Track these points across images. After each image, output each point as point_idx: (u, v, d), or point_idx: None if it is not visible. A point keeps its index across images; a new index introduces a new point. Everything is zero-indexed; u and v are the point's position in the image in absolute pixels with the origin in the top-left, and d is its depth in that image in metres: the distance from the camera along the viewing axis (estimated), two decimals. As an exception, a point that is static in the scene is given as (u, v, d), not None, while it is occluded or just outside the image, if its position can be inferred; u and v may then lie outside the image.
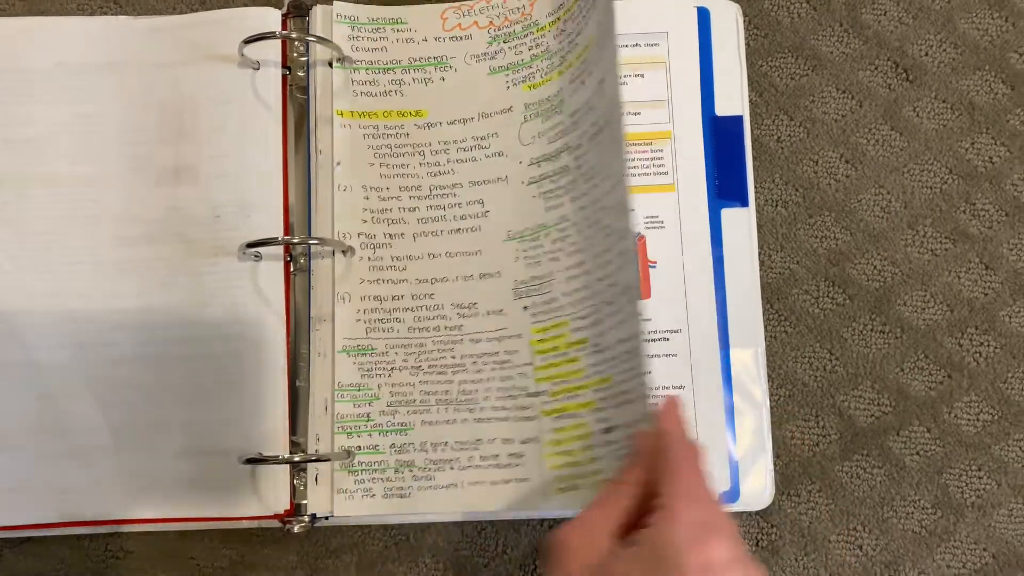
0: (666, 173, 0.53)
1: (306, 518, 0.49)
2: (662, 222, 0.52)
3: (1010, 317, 0.52)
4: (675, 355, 0.51)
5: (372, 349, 0.51)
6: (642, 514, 0.35)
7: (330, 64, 0.52)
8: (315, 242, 0.50)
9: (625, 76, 0.53)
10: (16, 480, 0.49)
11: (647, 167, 0.53)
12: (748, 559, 0.33)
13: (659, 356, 0.51)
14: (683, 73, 0.53)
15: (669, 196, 0.52)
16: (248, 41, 0.50)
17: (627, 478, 0.37)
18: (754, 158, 0.53)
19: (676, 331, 0.51)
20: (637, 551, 0.33)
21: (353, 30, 0.53)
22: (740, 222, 0.52)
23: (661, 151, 0.53)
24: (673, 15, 0.54)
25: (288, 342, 0.50)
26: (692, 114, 0.53)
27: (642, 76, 0.53)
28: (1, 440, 0.49)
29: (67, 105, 0.52)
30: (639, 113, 0.53)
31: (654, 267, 0.52)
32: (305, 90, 0.53)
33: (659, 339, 0.51)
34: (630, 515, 0.36)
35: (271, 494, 0.49)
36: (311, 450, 0.49)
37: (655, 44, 0.54)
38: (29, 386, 0.50)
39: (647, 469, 0.37)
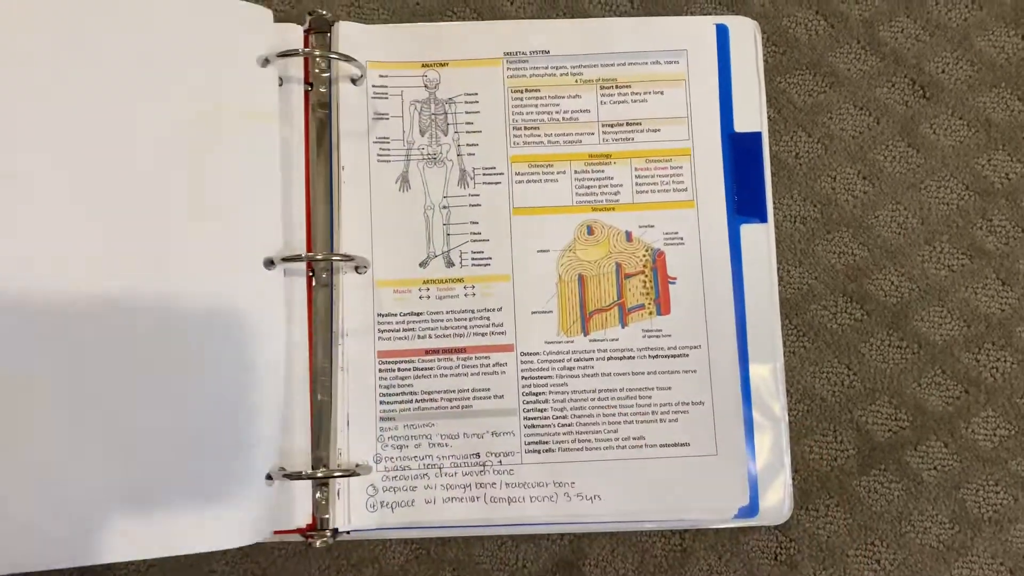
0: (685, 190, 0.53)
1: (328, 533, 0.49)
2: (682, 239, 0.52)
3: (1027, 333, 0.53)
4: (694, 371, 0.51)
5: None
6: None
7: (353, 82, 0.53)
8: (338, 258, 0.50)
9: (645, 93, 0.54)
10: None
11: (666, 184, 0.53)
12: None
13: (678, 372, 0.51)
14: (702, 90, 0.54)
15: (688, 212, 0.53)
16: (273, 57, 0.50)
17: None
18: (772, 174, 0.54)
19: (695, 347, 0.51)
20: None
21: None
22: (759, 238, 0.53)
23: (680, 168, 0.53)
24: (692, 33, 0.54)
25: (311, 357, 0.51)
26: (711, 131, 0.53)
27: (661, 93, 0.54)
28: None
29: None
30: (658, 130, 0.53)
31: (674, 283, 0.52)
32: (327, 105, 0.53)
33: (679, 355, 0.51)
34: None
35: (293, 508, 0.49)
36: (333, 464, 0.50)
37: (674, 62, 0.54)
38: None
39: None
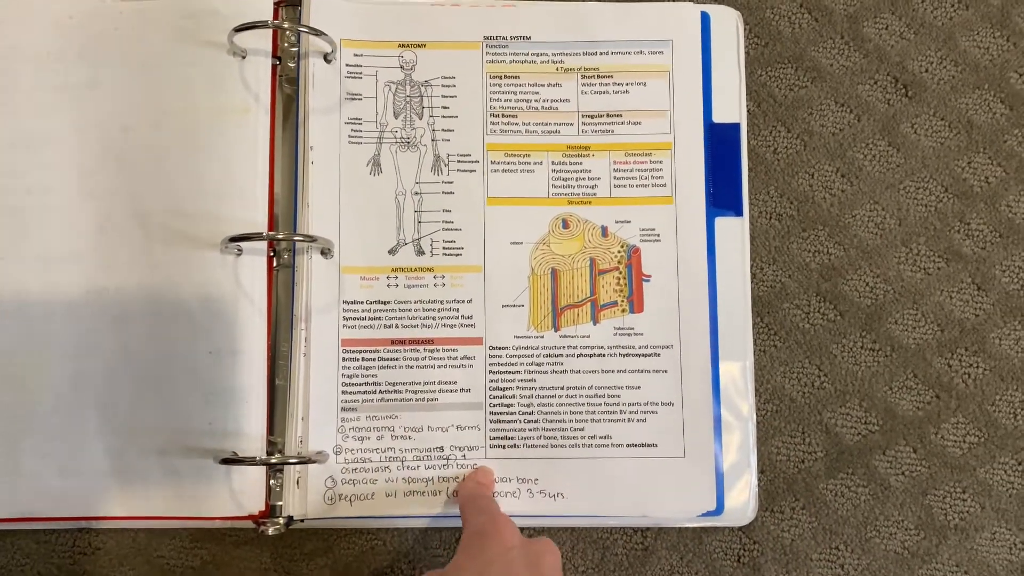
0: (664, 185, 0.52)
1: (281, 520, 0.48)
2: (658, 235, 0.51)
3: (1000, 339, 0.52)
4: (665, 371, 0.50)
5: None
6: None
7: (325, 58, 0.51)
8: (300, 239, 0.49)
9: (627, 84, 0.52)
10: None
11: (645, 178, 0.52)
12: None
13: (649, 372, 0.50)
14: (686, 82, 0.53)
15: (667, 208, 0.51)
16: (239, 29, 0.48)
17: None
18: (749, 169, 0.53)
19: (667, 347, 0.50)
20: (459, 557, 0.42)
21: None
22: (734, 232, 0.51)
23: (660, 162, 0.52)
24: (678, 21, 0.53)
25: (269, 340, 0.49)
26: (693, 124, 0.52)
27: (644, 85, 0.52)
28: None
29: (47, 88, 0.50)
30: (639, 123, 0.52)
31: (648, 281, 0.51)
32: (295, 81, 0.51)
33: (650, 354, 0.50)
34: None
35: (246, 494, 0.48)
36: (289, 451, 0.48)
37: (659, 52, 0.53)
38: (-2, 375, 0.48)
39: None
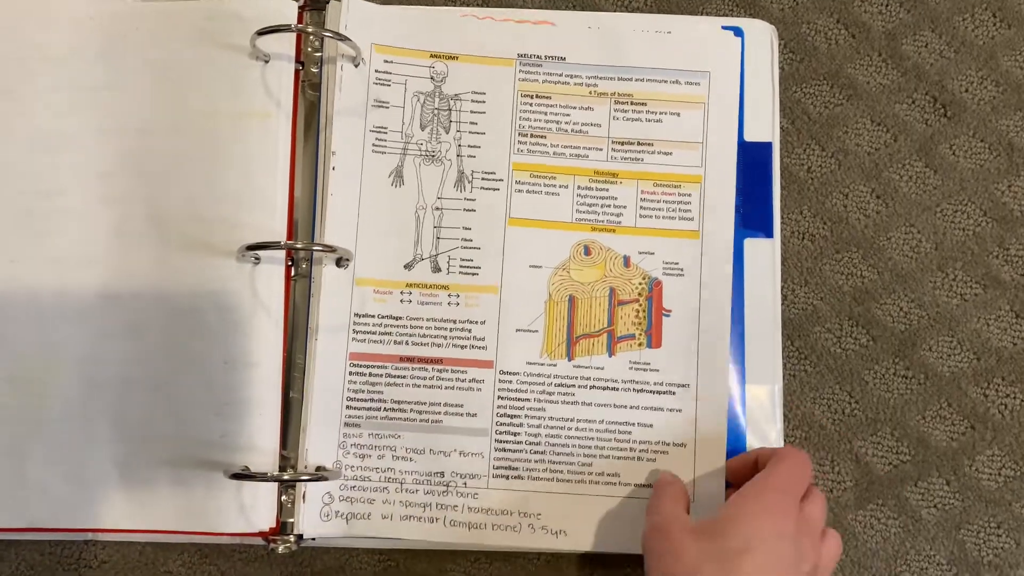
0: (692, 219, 0.50)
1: (291, 538, 0.46)
2: (682, 270, 0.50)
3: (1039, 369, 0.50)
4: (679, 411, 0.49)
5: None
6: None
7: (354, 64, 0.50)
8: (319, 248, 0.47)
9: (660, 113, 0.51)
10: None
11: (672, 211, 0.50)
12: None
13: (663, 410, 0.49)
14: (721, 113, 0.51)
15: (692, 243, 0.50)
16: (261, 33, 0.47)
17: (675, 476, 0.47)
18: (782, 188, 0.51)
19: (684, 386, 0.49)
20: (742, 493, 0.42)
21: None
22: (764, 253, 0.50)
23: (689, 195, 0.50)
24: (717, 52, 0.51)
25: (284, 351, 0.48)
26: (727, 158, 0.51)
27: (678, 115, 0.51)
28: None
29: (65, 89, 0.50)
30: (670, 153, 0.51)
31: (668, 316, 0.49)
32: (317, 87, 0.50)
33: (664, 392, 0.49)
34: (685, 502, 0.46)
35: (256, 510, 0.46)
36: (302, 466, 0.47)
37: (695, 83, 0.51)
38: (3, 376, 0.47)
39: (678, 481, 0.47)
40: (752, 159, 0.51)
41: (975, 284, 0.51)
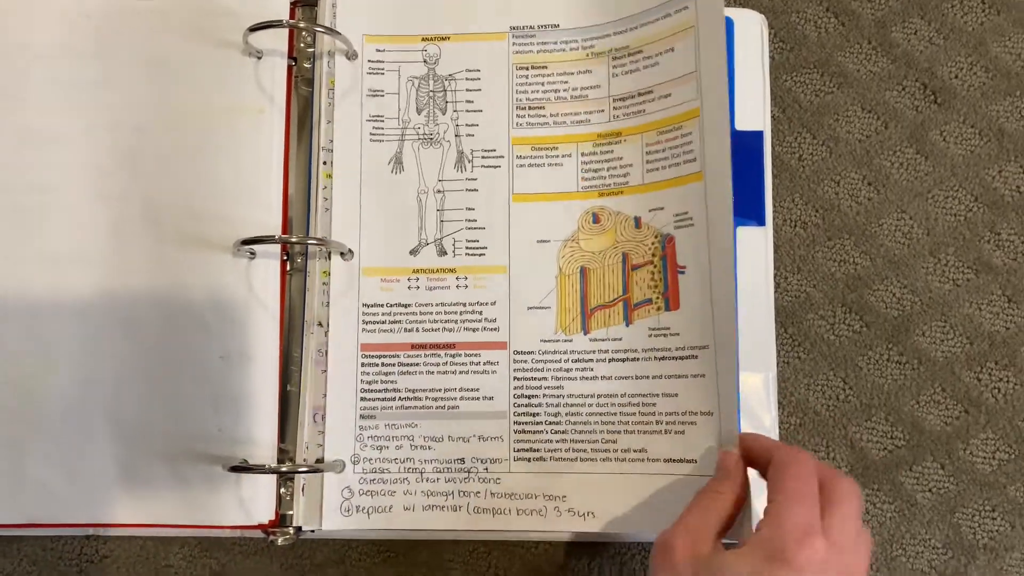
0: (694, 159, 0.47)
1: (291, 530, 0.47)
2: (691, 219, 0.47)
3: (1032, 353, 0.50)
4: (702, 375, 0.45)
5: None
6: (731, 520, 0.41)
7: (347, 57, 0.50)
8: (313, 242, 0.48)
9: (656, 55, 0.49)
10: None
11: (676, 155, 0.48)
12: (845, 548, 0.37)
13: (686, 377, 0.46)
14: (711, 35, 0.47)
15: (697, 187, 0.47)
16: (254, 29, 0.48)
17: (720, 488, 0.41)
18: (773, 176, 0.51)
19: (704, 347, 0.45)
20: (747, 550, 0.37)
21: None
22: (756, 242, 0.50)
23: (690, 134, 0.47)
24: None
25: (281, 345, 0.48)
26: (720, 75, 0.47)
27: (672, 51, 0.49)
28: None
29: (59, 86, 0.50)
30: (669, 95, 0.49)
31: (683, 273, 0.47)
32: (310, 82, 0.50)
33: (687, 356, 0.46)
34: (724, 520, 0.40)
35: (255, 503, 0.47)
36: (300, 459, 0.47)
37: (684, 8, 0.48)
38: (2, 377, 0.47)
39: (737, 482, 0.42)
40: (743, 148, 0.51)
41: (967, 269, 0.51)
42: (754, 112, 0.51)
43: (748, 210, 0.50)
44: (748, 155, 0.51)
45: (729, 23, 0.52)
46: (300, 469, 0.46)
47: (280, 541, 0.46)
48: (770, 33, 0.53)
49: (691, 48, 0.48)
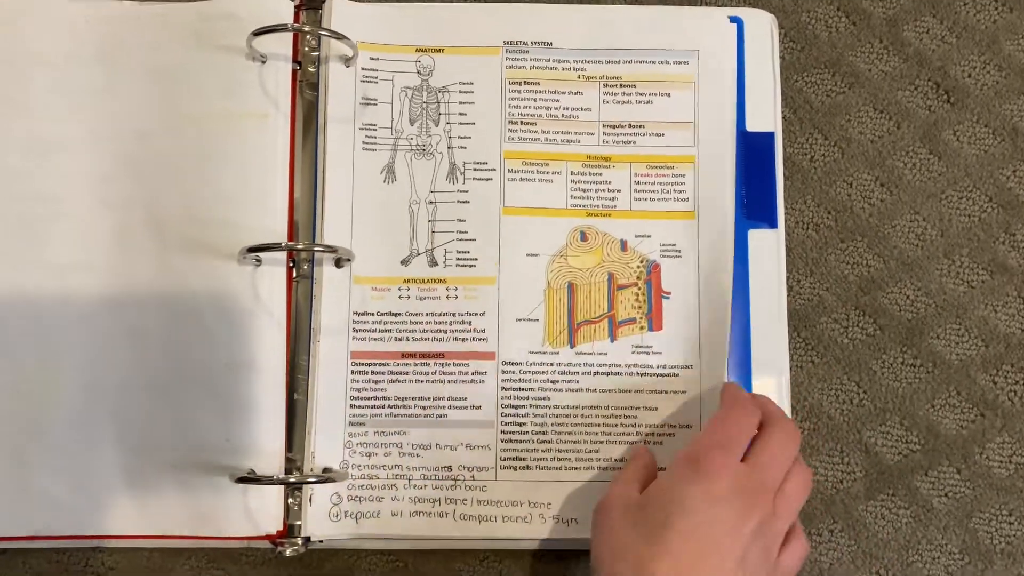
0: (687, 199, 0.50)
1: (299, 541, 0.46)
2: (679, 251, 0.49)
3: (1048, 355, 0.50)
4: (683, 392, 0.48)
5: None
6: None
7: (346, 63, 0.50)
8: (321, 249, 0.47)
9: (650, 94, 0.51)
10: None
11: (667, 192, 0.50)
12: (763, 469, 0.41)
13: (667, 392, 0.48)
14: (712, 92, 0.51)
15: (688, 224, 0.50)
16: (258, 33, 0.47)
17: (633, 463, 0.46)
18: (785, 178, 0.51)
19: (687, 367, 0.49)
20: (667, 471, 0.42)
21: None
22: (768, 244, 0.50)
23: (683, 176, 0.50)
24: (705, 30, 0.51)
25: (288, 353, 0.48)
26: (722, 135, 0.50)
27: (668, 95, 0.51)
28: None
29: (62, 92, 0.49)
30: (662, 134, 0.50)
31: (668, 298, 0.49)
32: (315, 86, 0.50)
33: (668, 374, 0.49)
34: (646, 480, 0.44)
35: (263, 513, 0.46)
36: (307, 468, 0.47)
37: (684, 62, 0.51)
38: (4, 384, 0.47)
39: (646, 454, 0.47)
40: (754, 149, 0.51)
41: (982, 271, 0.51)
42: (765, 113, 0.51)
43: (760, 213, 0.50)
44: (759, 157, 0.50)
45: (739, 23, 0.51)
46: (309, 479, 0.46)
47: (288, 552, 0.46)
48: (780, 33, 0.52)
49: (690, 100, 0.50)
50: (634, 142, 0.50)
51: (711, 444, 0.41)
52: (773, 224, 0.50)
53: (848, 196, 0.51)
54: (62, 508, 0.46)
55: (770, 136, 0.51)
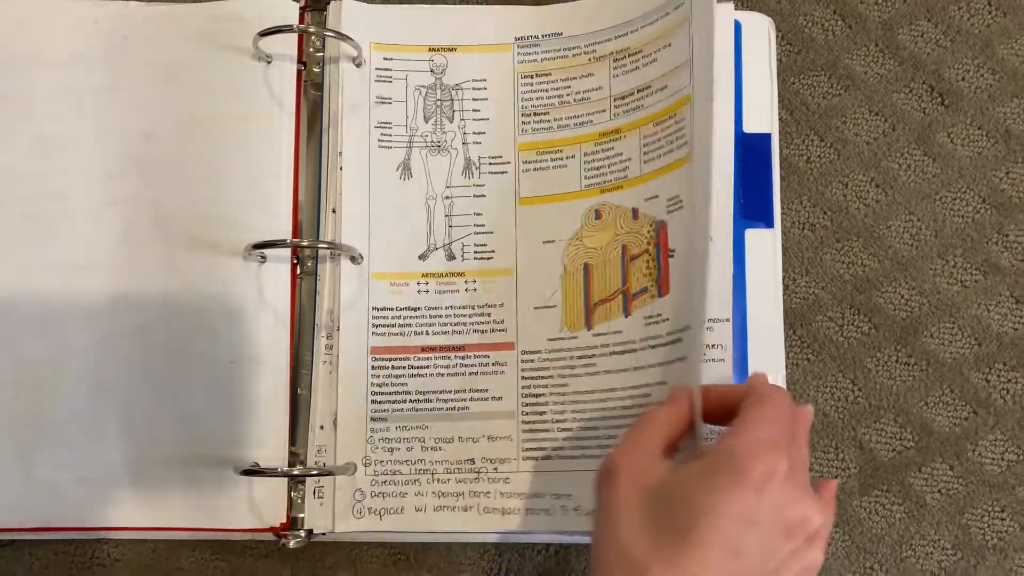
0: (685, 143, 0.47)
1: (302, 533, 0.47)
2: (681, 202, 0.47)
3: (1040, 354, 0.51)
4: (684, 359, 0.44)
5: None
6: (677, 438, 0.39)
7: (355, 63, 0.50)
8: (324, 246, 0.48)
9: (654, 52, 0.49)
10: None
11: (671, 143, 0.48)
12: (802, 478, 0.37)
13: (671, 363, 0.45)
14: (703, 21, 0.47)
15: (687, 168, 0.46)
16: (264, 34, 0.48)
17: (661, 407, 0.39)
18: (782, 179, 0.52)
19: (687, 328, 0.44)
20: (702, 464, 0.35)
21: None
22: (764, 244, 0.50)
23: (682, 121, 0.47)
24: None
25: (291, 348, 0.48)
26: (709, 69, 0.46)
27: (669, 45, 0.49)
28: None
29: (69, 92, 0.50)
30: (665, 87, 0.49)
31: (672, 256, 0.47)
32: (320, 87, 0.51)
33: (674, 341, 0.45)
34: (668, 436, 0.38)
35: (267, 506, 0.47)
36: (310, 462, 0.47)
37: (680, 4, 0.48)
38: (11, 380, 0.48)
39: (682, 403, 0.39)
40: (752, 150, 0.51)
41: (975, 271, 0.51)
42: (762, 115, 0.51)
43: (756, 212, 0.51)
44: (756, 157, 0.51)
45: (737, 26, 0.52)
46: (311, 472, 0.46)
47: (291, 544, 0.47)
48: (778, 36, 0.53)
49: (686, 38, 0.48)
50: (642, 105, 0.49)
51: (756, 444, 0.35)
52: (770, 224, 0.51)
53: (844, 197, 0.52)
54: (68, 501, 0.47)
55: (767, 137, 0.51)
